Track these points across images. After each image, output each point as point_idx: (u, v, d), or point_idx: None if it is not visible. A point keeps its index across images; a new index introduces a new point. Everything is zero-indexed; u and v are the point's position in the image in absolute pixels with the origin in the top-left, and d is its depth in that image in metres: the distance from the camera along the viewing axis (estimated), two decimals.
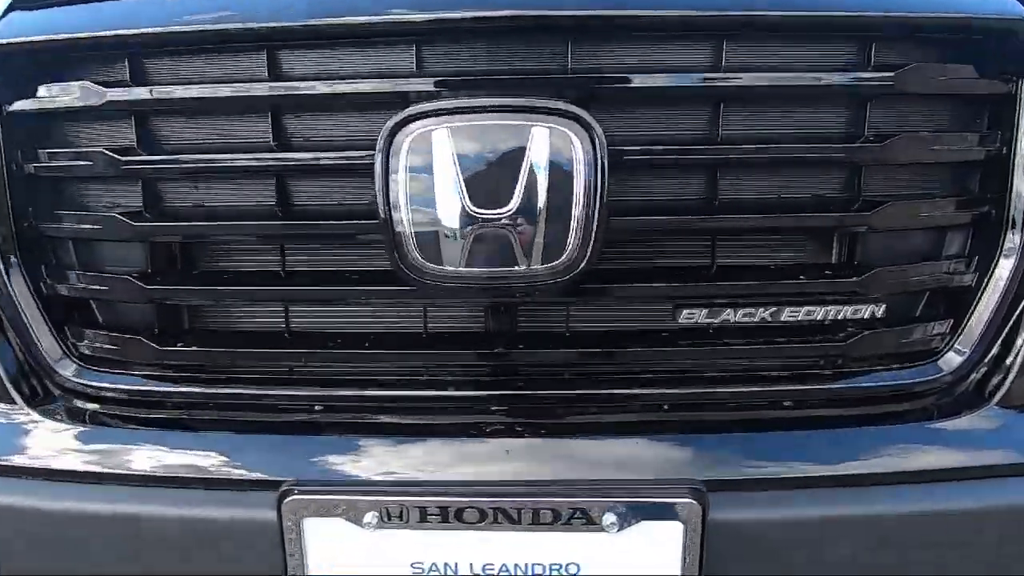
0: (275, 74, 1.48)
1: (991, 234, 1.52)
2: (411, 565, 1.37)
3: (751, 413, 1.53)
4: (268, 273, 1.59)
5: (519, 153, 1.37)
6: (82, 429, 1.57)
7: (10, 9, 1.54)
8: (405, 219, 1.40)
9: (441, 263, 1.41)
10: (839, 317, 1.54)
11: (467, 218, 1.39)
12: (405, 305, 1.56)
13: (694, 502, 1.31)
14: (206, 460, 1.47)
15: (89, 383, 1.61)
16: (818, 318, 1.54)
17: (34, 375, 1.63)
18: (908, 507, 1.40)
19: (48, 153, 1.56)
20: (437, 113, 1.39)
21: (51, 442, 1.55)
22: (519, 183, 1.38)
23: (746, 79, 1.44)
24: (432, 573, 1.37)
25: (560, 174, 1.38)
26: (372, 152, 1.39)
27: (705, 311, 1.54)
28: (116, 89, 1.50)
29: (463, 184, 1.38)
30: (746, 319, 1.54)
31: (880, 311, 1.55)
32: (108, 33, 1.47)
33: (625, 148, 1.42)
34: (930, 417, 1.51)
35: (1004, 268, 1.50)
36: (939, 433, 1.50)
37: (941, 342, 1.55)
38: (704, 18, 1.41)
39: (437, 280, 1.42)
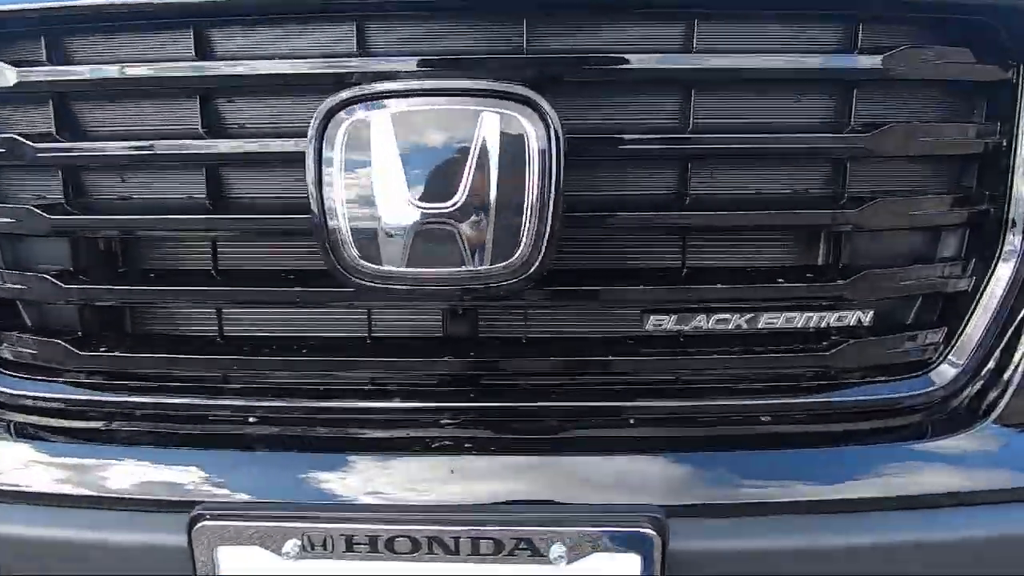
0: (203, 53, 1.36)
1: (989, 235, 1.42)
2: None
3: (724, 429, 1.41)
4: (200, 273, 1.45)
5: (467, 141, 1.25)
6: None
7: None
8: (340, 214, 1.27)
9: (380, 262, 1.28)
10: (822, 325, 1.43)
11: (409, 213, 1.26)
12: (344, 308, 1.43)
13: (653, 532, 1.17)
14: (121, 478, 1.34)
15: (4, 390, 1.47)
16: (799, 325, 1.43)
17: None
18: (896, 537, 1.29)
19: None
20: (376, 96, 1.26)
21: None
22: (466, 175, 1.25)
23: (720, 61, 1.31)
24: None
25: (512, 165, 1.25)
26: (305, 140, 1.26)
27: (675, 317, 1.42)
28: (29, 69, 1.37)
29: (405, 175, 1.25)
30: (719, 326, 1.42)
31: (867, 318, 1.44)
32: (19, 7, 1.34)
33: (585, 137, 1.31)
34: (921, 435, 1.40)
35: (1003, 272, 1.40)
36: (930, 453, 1.38)
37: (934, 353, 1.44)
38: None
39: (375, 281, 1.29)
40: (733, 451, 1.36)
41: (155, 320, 1.52)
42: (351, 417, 1.39)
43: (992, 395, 1.41)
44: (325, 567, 1.20)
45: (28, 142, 1.38)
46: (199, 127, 1.38)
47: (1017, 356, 1.40)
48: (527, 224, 1.27)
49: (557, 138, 1.25)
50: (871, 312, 1.43)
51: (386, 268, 1.28)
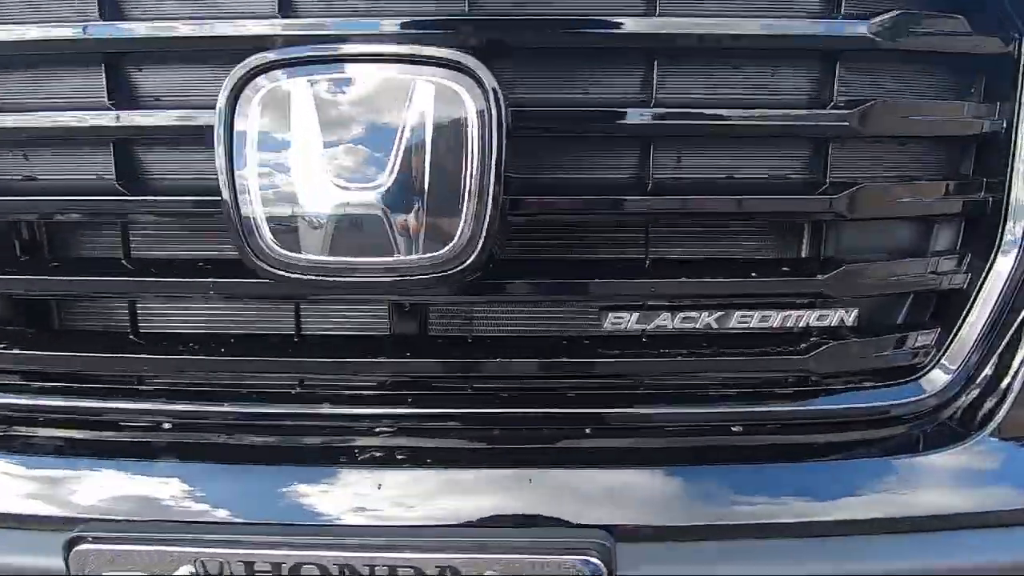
0: (107, 13, 1.21)
1: (987, 226, 1.31)
2: None
3: (688, 440, 1.27)
4: (110, 262, 1.31)
5: (398, 115, 1.12)
6: None
7: None
8: (253, 195, 1.14)
9: (299, 250, 1.15)
10: (800, 324, 1.31)
11: (331, 194, 1.13)
12: (263, 302, 1.29)
13: (599, 561, 1.02)
14: (7, 490, 1.19)
15: None
16: (775, 325, 1.31)
17: None
18: (881, 566, 1.17)
19: None
20: (294, 62, 1.12)
21: None
22: (396, 152, 1.12)
23: (685, 24, 1.17)
24: None
25: (448, 142, 1.13)
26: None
27: (636, 315, 1.29)
28: None
29: (327, 152, 1.12)
30: (687, 325, 1.29)
31: (850, 317, 1.33)
32: None
33: (532, 111, 1.18)
34: (909, 449, 1.28)
35: (1002, 267, 1.29)
36: (920, 470, 1.25)
37: (925, 357, 1.33)
38: None
39: (292, 272, 1.15)
40: (698, 465, 1.22)
41: (61, 314, 1.38)
42: (265, 424, 1.24)
43: (989, 404, 1.29)
44: None
45: None
46: (105, 98, 1.24)
47: (1017, 361, 1.30)
48: (465, 209, 1.13)
49: (499, 112, 1.12)
50: (855, 311, 1.32)
51: (305, 257, 1.15)
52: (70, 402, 1.30)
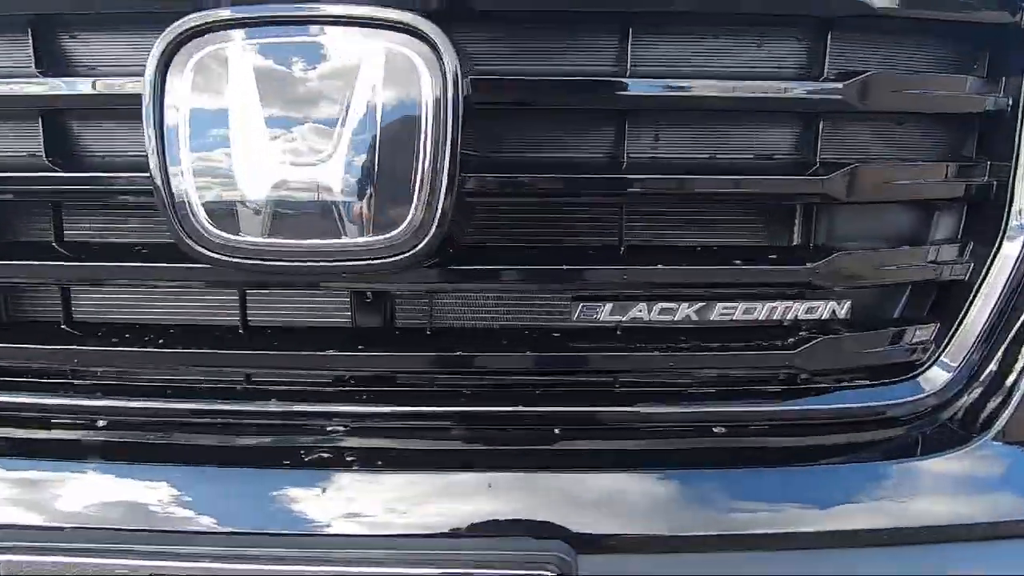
0: None
1: (991, 212, 1.24)
2: None
3: (667, 442, 1.18)
4: (39, 246, 1.21)
5: (345, 84, 1.03)
6: None
7: None
8: (186, 171, 1.04)
9: (236, 232, 1.06)
10: (788, 317, 1.23)
11: (271, 171, 1.04)
12: (203, 289, 1.19)
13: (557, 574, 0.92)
14: None
15: None
16: (760, 318, 1.22)
17: None
18: None
19: None
20: (231, 24, 1.03)
21: None
22: (343, 126, 1.03)
23: None
24: None
25: (400, 114, 1.04)
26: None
27: (610, 306, 1.20)
28: None
29: (267, 124, 1.03)
30: (665, 317, 1.21)
31: (843, 310, 1.25)
32: None
33: (494, 81, 1.09)
34: (906, 453, 1.19)
35: (1007, 256, 1.22)
36: (918, 476, 1.16)
37: (923, 353, 1.26)
38: None
39: (230, 256, 1.06)
40: (675, 469, 1.12)
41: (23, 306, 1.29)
42: (207, 422, 1.15)
43: (993, 405, 1.21)
44: None
45: None
46: (32, 66, 1.15)
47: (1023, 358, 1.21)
48: (417, 188, 1.04)
49: (457, 82, 1.03)
50: (847, 303, 1.25)
51: (243, 239, 1.05)
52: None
